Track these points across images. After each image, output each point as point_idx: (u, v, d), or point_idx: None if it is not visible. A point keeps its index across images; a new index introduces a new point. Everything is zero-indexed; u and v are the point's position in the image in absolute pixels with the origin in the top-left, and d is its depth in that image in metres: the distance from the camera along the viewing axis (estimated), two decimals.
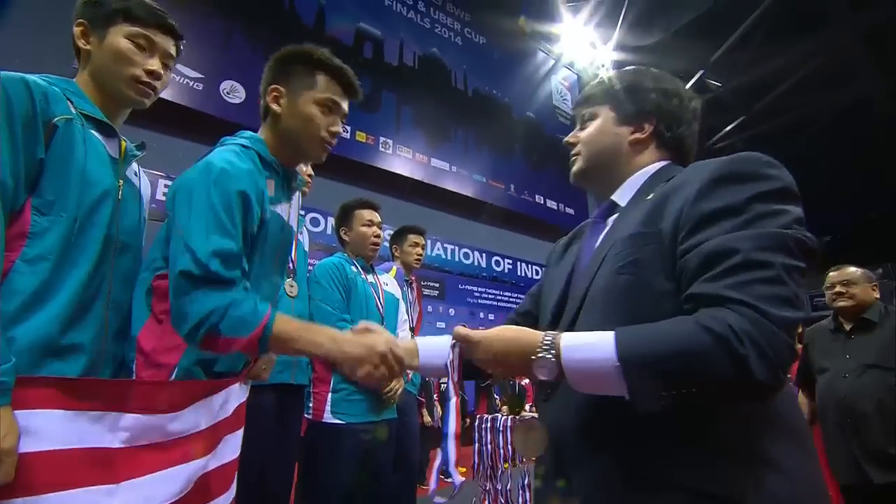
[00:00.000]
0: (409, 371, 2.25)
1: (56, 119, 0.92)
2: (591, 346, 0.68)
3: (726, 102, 11.82)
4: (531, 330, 0.77)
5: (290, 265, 1.95)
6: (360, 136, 6.57)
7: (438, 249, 7.43)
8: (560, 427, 0.79)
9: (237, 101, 5.35)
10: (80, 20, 1.04)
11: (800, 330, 3.35)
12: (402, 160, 7.03)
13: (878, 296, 2.24)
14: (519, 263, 8.67)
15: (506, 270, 8.44)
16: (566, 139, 1.01)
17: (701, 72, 11.22)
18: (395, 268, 2.68)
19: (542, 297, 1.02)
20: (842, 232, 13.48)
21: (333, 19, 6.63)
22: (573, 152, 0.99)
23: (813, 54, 9.69)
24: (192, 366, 1.00)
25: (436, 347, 0.93)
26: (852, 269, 2.29)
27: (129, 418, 0.87)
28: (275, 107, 1.15)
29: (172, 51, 1.11)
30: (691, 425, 0.66)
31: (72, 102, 0.98)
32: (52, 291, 0.89)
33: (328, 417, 1.97)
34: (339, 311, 2.06)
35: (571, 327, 0.81)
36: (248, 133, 1.17)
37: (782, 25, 9.35)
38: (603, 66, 10.81)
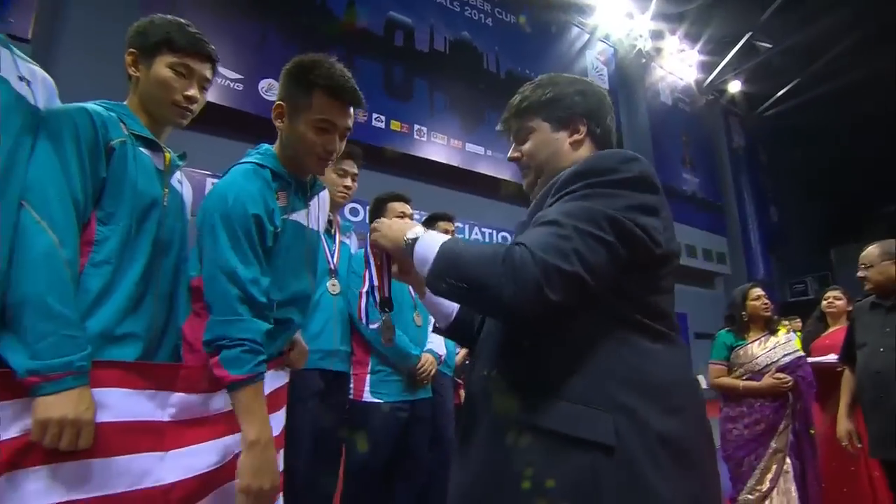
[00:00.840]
0: (441, 354, 2.40)
1: (113, 142, 1.08)
2: (434, 239, 0.87)
3: (777, 65, 11.16)
4: (419, 225, 0.97)
5: (332, 265, 2.09)
6: (395, 125, 6.69)
7: (476, 234, 7.50)
8: (472, 392, 0.98)
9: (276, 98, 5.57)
10: (131, 49, 1.19)
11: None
12: (437, 147, 7.11)
13: None
14: None
15: None
16: (510, 156, 1.11)
17: (749, 33, 10.63)
18: None
19: None
20: None
21: (364, 10, 6.71)
22: (522, 166, 1.09)
23: (871, 9, 8.97)
24: None
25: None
26: (871, 248, 2.28)
27: (176, 397, 1.04)
28: (278, 123, 1.24)
29: (208, 74, 1.26)
30: (556, 377, 0.81)
31: (125, 124, 1.13)
32: (113, 289, 1.06)
33: (367, 397, 2.13)
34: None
35: None
36: (265, 147, 1.27)
37: None
38: (640, 36, 10.40)
